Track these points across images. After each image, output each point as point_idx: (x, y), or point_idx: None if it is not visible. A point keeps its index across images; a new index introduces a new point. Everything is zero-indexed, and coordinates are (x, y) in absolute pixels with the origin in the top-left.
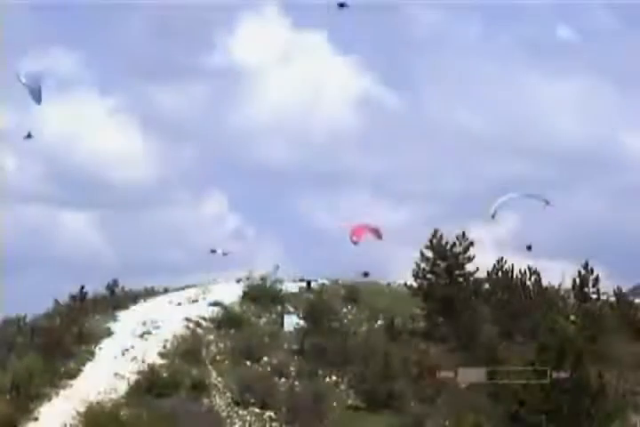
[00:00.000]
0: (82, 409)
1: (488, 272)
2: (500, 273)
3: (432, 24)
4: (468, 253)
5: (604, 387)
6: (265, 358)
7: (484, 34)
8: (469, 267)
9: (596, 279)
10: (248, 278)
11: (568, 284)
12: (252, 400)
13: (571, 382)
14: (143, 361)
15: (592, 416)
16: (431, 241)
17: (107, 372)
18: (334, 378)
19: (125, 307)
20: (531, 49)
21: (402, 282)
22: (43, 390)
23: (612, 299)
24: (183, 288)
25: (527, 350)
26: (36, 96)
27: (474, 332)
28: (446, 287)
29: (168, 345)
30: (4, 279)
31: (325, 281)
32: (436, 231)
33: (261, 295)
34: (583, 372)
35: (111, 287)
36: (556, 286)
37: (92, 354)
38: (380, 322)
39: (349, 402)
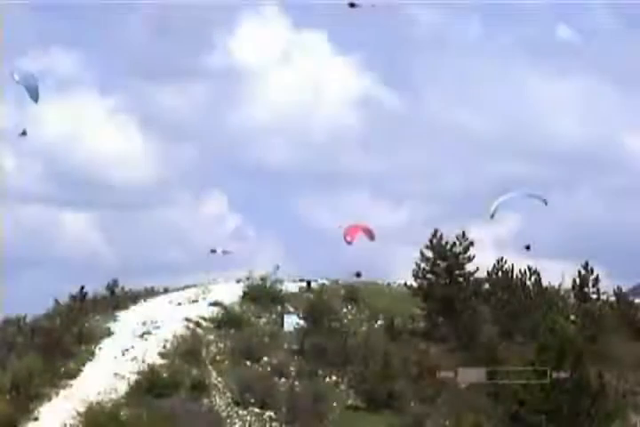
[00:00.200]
0: (82, 409)
1: (488, 272)
2: (499, 273)
3: (432, 24)
4: (468, 253)
5: (604, 387)
6: (265, 358)
7: (484, 34)
8: (469, 267)
9: (596, 279)
10: (248, 278)
11: (568, 284)
12: (252, 400)
13: (571, 382)
14: (143, 361)
15: (592, 416)
16: (431, 241)
17: (107, 372)
18: (334, 378)
19: (125, 307)
20: (531, 49)
21: (402, 282)
22: (43, 390)
23: (612, 299)
24: (183, 288)
25: (527, 350)
26: (34, 95)
27: (474, 332)
28: (446, 287)
29: (168, 345)
30: (5, 279)
31: (325, 281)
32: (436, 231)
33: (261, 295)
34: (583, 372)
35: (111, 287)
36: (556, 286)
37: (92, 354)
38: (380, 322)
39: (349, 402)
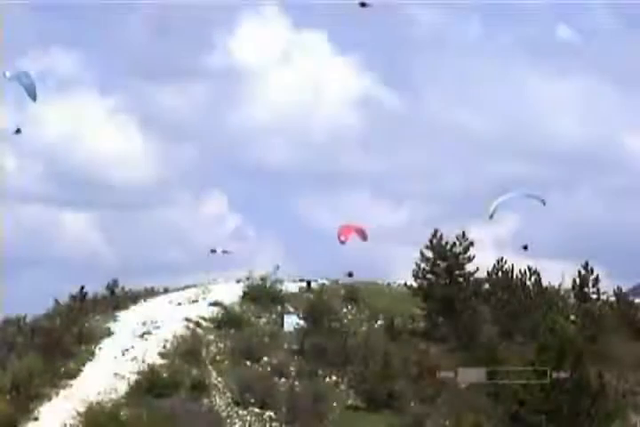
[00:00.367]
0: (82, 409)
1: (488, 272)
2: (499, 273)
3: (432, 24)
4: (468, 253)
5: (604, 387)
6: (265, 358)
7: (484, 34)
8: (469, 267)
9: (596, 279)
10: (248, 278)
11: (568, 284)
12: (252, 400)
13: (571, 382)
14: (143, 361)
15: (592, 416)
16: (431, 241)
17: (107, 372)
18: (334, 378)
19: (125, 307)
20: (531, 49)
21: (402, 282)
22: (43, 390)
23: (612, 299)
24: (183, 288)
25: (527, 350)
26: (31, 93)
27: (474, 332)
28: (446, 287)
29: (168, 345)
30: (5, 279)
31: (325, 281)
32: (436, 231)
33: (261, 295)
34: (583, 372)
35: (111, 287)
36: (556, 286)
37: (92, 354)
38: (380, 322)
39: (349, 402)
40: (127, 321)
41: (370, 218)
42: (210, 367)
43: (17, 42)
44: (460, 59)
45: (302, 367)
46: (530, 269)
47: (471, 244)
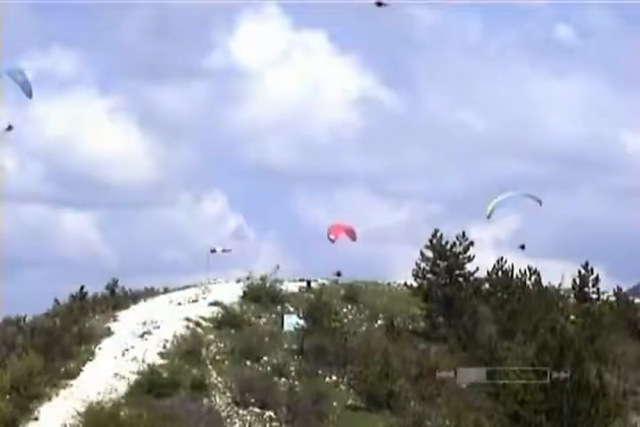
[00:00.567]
0: (82, 409)
1: (488, 272)
2: (499, 273)
3: (432, 24)
4: (468, 253)
5: (603, 387)
6: (265, 358)
7: (484, 34)
8: (469, 267)
9: (596, 279)
10: (248, 278)
11: (568, 284)
12: (252, 400)
13: (571, 382)
14: (143, 361)
15: (592, 416)
16: (431, 241)
17: (107, 372)
18: (334, 378)
19: (125, 307)
20: (531, 49)
21: (402, 282)
22: (43, 390)
23: (612, 299)
24: (183, 288)
25: (527, 350)
26: (27, 90)
27: (474, 332)
28: (446, 287)
29: (168, 345)
30: (5, 279)
31: (325, 281)
32: (436, 231)
33: (261, 295)
34: (583, 372)
35: (111, 287)
36: (556, 286)
37: (92, 354)
38: (380, 322)
39: (349, 402)
40: (127, 321)
41: (370, 218)
42: (210, 367)
43: (17, 42)
44: (460, 59)
45: (302, 367)
46: (530, 268)
47: (471, 244)
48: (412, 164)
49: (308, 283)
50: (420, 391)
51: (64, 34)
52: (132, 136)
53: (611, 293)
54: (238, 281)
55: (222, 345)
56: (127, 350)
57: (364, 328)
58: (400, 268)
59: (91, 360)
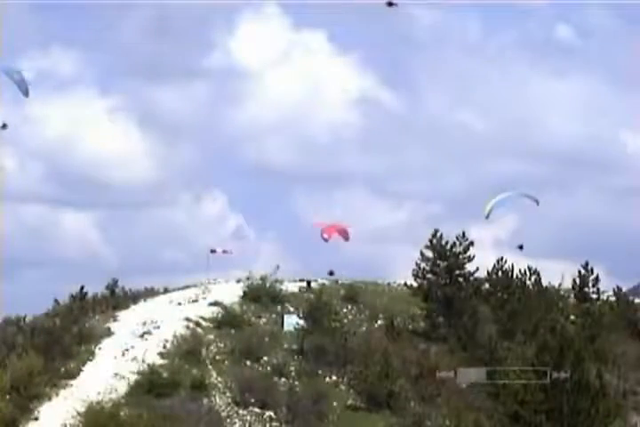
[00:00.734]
0: (82, 409)
1: (488, 272)
2: (499, 273)
3: (432, 24)
4: (468, 253)
5: (603, 387)
6: (265, 358)
7: (484, 34)
8: (469, 267)
9: (596, 279)
10: (248, 278)
11: (568, 284)
12: (252, 400)
13: (571, 382)
14: (143, 361)
15: (592, 416)
16: (431, 241)
17: (107, 372)
18: (334, 378)
19: (125, 307)
20: (531, 49)
21: (402, 282)
22: (43, 390)
23: (612, 299)
24: (183, 288)
25: (527, 350)
26: (23, 89)
27: (474, 332)
28: (446, 287)
29: (168, 345)
30: (5, 279)
31: (325, 281)
32: (436, 231)
33: (261, 295)
34: (583, 372)
35: (111, 287)
36: (556, 286)
37: (92, 354)
38: (380, 322)
39: (349, 402)
40: (127, 321)
41: (370, 218)
42: (210, 367)
43: (17, 42)
44: (460, 59)
45: (302, 367)
46: (530, 268)
47: (471, 244)
48: (411, 164)
49: (308, 283)
50: (419, 391)
51: (64, 34)
52: (131, 136)
53: (611, 293)
54: (238, 281)
55: (222, 345)
56: (127, 350)
57: (364, 328)
58: (400, 268)
59: (91, 360)
